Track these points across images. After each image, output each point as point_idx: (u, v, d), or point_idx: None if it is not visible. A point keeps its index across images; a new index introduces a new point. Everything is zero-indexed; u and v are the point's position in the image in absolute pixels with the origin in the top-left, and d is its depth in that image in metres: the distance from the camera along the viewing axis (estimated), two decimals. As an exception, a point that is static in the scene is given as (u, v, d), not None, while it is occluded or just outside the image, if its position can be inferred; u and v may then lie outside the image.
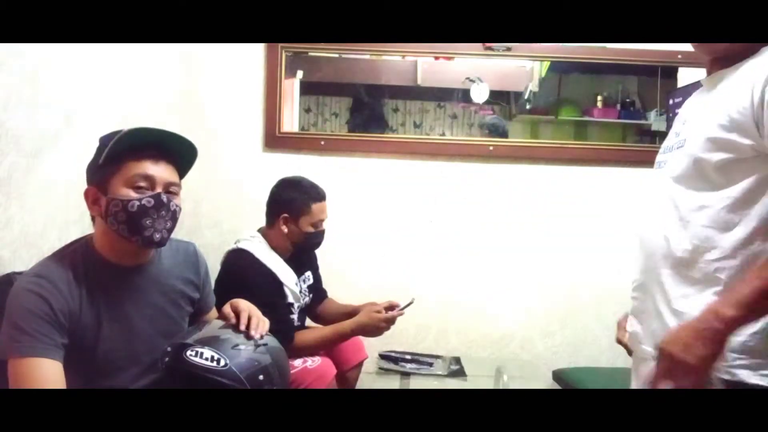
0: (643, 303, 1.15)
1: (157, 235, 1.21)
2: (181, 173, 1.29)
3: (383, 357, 2.23)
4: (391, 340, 2.24)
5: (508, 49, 2.45)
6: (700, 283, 1.03)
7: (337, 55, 2.71)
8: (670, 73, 2.54)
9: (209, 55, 2.42)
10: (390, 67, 2.80)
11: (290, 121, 2.54)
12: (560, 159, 2.49)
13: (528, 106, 2.89)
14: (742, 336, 0.96)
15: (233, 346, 1.23)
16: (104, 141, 1.20)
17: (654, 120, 2.76)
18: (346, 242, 2.44)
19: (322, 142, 2.50)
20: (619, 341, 1.29)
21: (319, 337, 1.94)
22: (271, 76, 2.43)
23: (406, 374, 2.16)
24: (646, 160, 1.26)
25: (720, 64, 1.08)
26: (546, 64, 2.72)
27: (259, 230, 1.99)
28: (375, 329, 1.92)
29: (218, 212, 2.48)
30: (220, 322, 1.32)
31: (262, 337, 1.28)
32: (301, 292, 2.00)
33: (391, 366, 2.19)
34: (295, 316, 1.97)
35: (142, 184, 1.19)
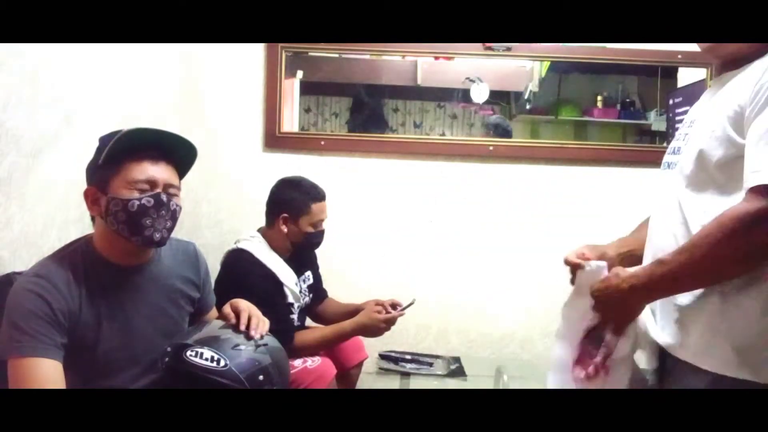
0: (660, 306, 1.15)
1: (157, 235, 1.21)
2: (181, 173, 1.29)
3: (383, 357, 2.23)
4: (391, 340, 2.24)
5: (508, 49, 2.45)
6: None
7: (337, 55, 2.71)
8: (670, 73, 2.54)
9: (209, 55, 2.42)
10: (390, 67, 2.80)
11: (290, 121, 2.54)
12: (560, 159, 2.49)
13: (528, 106, 2.89)
14: None
15: (233, 346, 1.23)
16: (104, 141, 1.21)
17: (654, 120, 2.76)
18: (347, 242, 2.44)
19: (322, 142, 2.50)
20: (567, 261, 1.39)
21: (319, 337, 1.94)
22: (271, 76, 2.43)
23: (406, 374, 2.16)
24: (646, 160, 1.26)
25: (728, 67, 1.09)
26: (546, 64, 2.72)
27: (259, 230, 1.99)
28: (375, 330, 1.92)
29: (218, 212, 2.48)
30: (220, 322, 1.32)
31: (262, 337, 1.28)
32: (301, 292, 2.00)
33: (391, 366, 2.19)
34: (295, 316, 1.97)
35: (142, 184, 1.19)
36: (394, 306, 1.95)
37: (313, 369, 1.84)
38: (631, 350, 1.12)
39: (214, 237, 2.43)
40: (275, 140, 2.45)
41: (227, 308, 1.35)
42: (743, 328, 0.97)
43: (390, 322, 1.92)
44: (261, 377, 1.22)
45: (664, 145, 2.36)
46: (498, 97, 2.85)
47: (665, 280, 1.01)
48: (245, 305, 1.35)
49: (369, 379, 2.13)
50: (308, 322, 2.14)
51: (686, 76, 2.47)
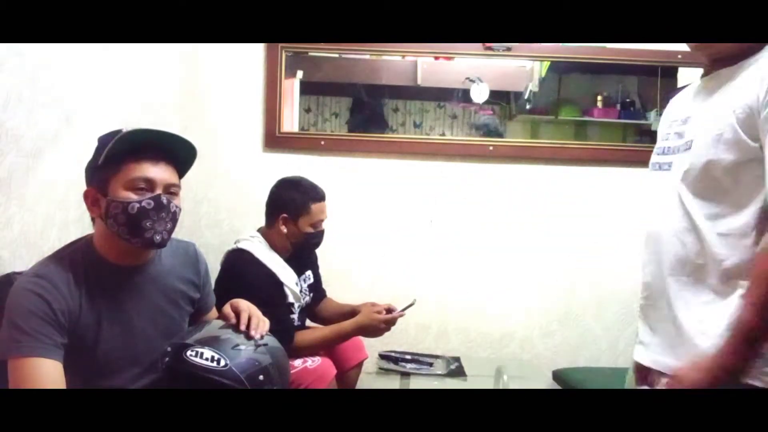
0: (657, 310, 1.12)
1: (158, 237, 1.21)
2: (181, 173, 1.29)
3: (383, 357, 2.23)
4: (391, 340, 2.24)
5: (508, 49, 2.45)
6: (720, 290, 1.01)
7: (337, 55, 2.71)
8: (670, 73, 2.54)
9: (209, 55, 2.42)
10: (390, 67, 2.80)
11: (290, 121, 2.54)
12: (560, 159, 2.49)
13: (528, 106, 2.89)
14: None
15: (233, 346, 1.23)
16: (103, 141, 1.20)
17: (654, 120, 2.75)
18: (347, 242, 2.44)
19: (322, 142, 2.50)
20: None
21: (319, 338, 1.94)
22: (271, 76, 2.43)
23: (406, 374, 2.16)
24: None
25: (720, 64, 1.07)
26: (546, 64, 2.72)
27: (259, 230, 1.99)
28: (375, 330, 1.92)
29: (218, 212, 2.48)
30: (220, 322, 1.32)
31: (262, 337, 1.28)
32: (301, 291, 2.00)
33: (391, 366, 2.19)
34: (295, 316, 1.97)
35: (142, 185, 1.19)
36: (389, 310, 1.96)
37: (313, 369, 1.84)
38: None
39: (214, 237, 2.43)
40: (275, 140, 2.45)
41: (227, 308, 1.35)
42: None
43: (390, 323, 1.92)
44: (261, 377, 1.22)
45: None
46: (498, 97, 2.85)
47: (755, 331, 0.93)
48: (245, 305, 1.35)
49: (369, 379, 2.13)
50: (308, 322, 2.14)
51: (686, 76, 2.47)
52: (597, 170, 2.48)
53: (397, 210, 2.48)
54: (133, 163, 1.19)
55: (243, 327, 1.28)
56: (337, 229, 2.24)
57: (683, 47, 2.40)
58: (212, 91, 2.44)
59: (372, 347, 2.16)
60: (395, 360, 2.22)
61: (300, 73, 2.61)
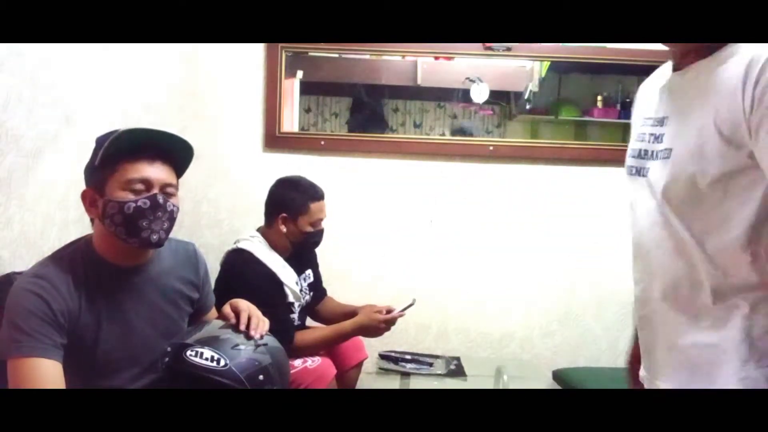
0: (653, 333, 1.04)
1: (155, 237, 1.21)
2: (179, 173, 1.28)
3: (383, 357, 2.23)
4: (391, 340, 2.24)
5: (508, 49, 2.45)
6: (720, 315, 0.93)
7: (337, 55, 2.71)
8: (670, 73, 2.54)
9: (209, 55, 2.42)
10: (390, 67, 2.80)
11: (290, 121, 2.54)
12: (560, 159, 2.49)
13: (528, 106, 2.89)
14: None
15: (233, 346, 1.23)
16: (100, 142, 1.20)
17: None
18: (347, 242, 2.44)
19: (322, 142, 2.50)
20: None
21: (319, 337, 1.94)
22: (271, 76, 2.43)
23: (406, 374, 2.16)
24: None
25: (692, 56, 0.96)
26: (546, 64, 2.72)
27: (259, 230, 1.99)
28: (375, 330, 1.93)
29: (218, 212, 2.48)
30: (220, 322, 1.32)
31: (262, 337, 1.28)
32: (301, 290, 2.00)
33: (391, 366, 2.19)
34: (295, 316, 1.97)
35: (139, 185, 1.18)
36: (389, 311, 1.96)
37: (313, 369, 1.84)
38: None
39: (214, 237, 2.44)
40: (275, 140, 2.45)
41: (227, 308, 1.35)
42: None
43: (390, 323, 1.92)
44: (261, 377, 1.22)
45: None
46: (498, 97, 2.85)
47: None
48: (245, 305, 1.35)
49: (369, 379, 2.13)
50: (309, 321, 2.14)
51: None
52: (597, 170, 2.48)
53: (397, 210, 2.48)
54: (129, 163, 1.19)
55: (243, 327, 1.28)
56: (337, 229, 2.24)
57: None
58: (212, 91, 2.44)
59: (372, 347, 2.16)
60: (395, 360, 2.22)
61: (300, 73, 2.61)
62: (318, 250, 2.11)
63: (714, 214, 0.91)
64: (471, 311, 2.50)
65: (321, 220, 1.96)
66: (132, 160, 1.19)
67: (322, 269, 2.18)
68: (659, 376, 1.04)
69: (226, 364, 1.19)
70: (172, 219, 1.24)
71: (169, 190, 1.24)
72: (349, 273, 2.45)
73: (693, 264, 0.94)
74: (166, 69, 2.27)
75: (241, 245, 1.91)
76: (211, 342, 1.23)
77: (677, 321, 0.98)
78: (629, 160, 1.08)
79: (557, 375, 2.31)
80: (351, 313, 2.01)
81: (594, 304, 2.49)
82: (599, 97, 2.89)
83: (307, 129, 2.95)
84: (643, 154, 1.03)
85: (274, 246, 1.94)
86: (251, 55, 2.43)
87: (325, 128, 3.08)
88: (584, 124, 2.93)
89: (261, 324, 1.31)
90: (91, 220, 1.26)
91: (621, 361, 2.41)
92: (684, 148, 0.93)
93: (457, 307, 2.50)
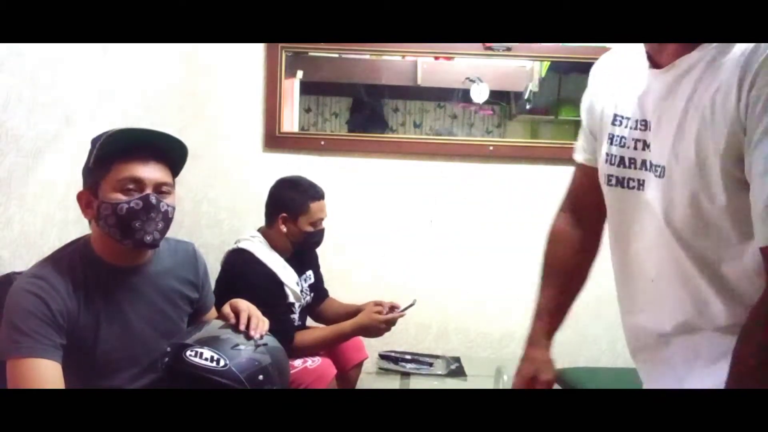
0: (657, 367, 0.96)
1: (148, 237, 1.20)
2: (174, 172, 1.27)
3: (383, 357, 2.23)
4: (391, 340, 2.24)
5: (508, 49, 2.44)
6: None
7: (337, 55, 2.71)
8: (670, 73, 2.54)
9: (209, 55, 2.42)
10: (390, 67, 2.80)
11: (290, 121, 2.54)
12: (560, 159, 2.48)
13: (528, 106, 2.89)
14: None
15: (233, 346, 1.23)
16: (93, 143, 1.20)
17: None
18: (347, 242, 2.44)
19: (322, 142, 2.50)
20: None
21: (319, 337, 1.94)
22: (271, 76, 2.43)
23: (406, 374, 2.16)
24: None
25: (675, 52, 0.85)
26: (546, 64, 2.72)
27: (259, 230, 1.99)
28: (375, 330, 1.92)
29: (218, 212, 2.48)
30: (220, 322, 1.32)
31: (261, 337, 1.28)
32: (302, 291, 2.00)
33: (391, 366, 2.19)
34: (295, 316, 1.97)
35: (131, 185, 1.18)
36: (392, 308, 1.96)
37: (313, 369, 1.84)
38: None
39: (214, 237, 2.43)
40: (275, 140, 2.45)
41: (227, 308, 1.35)
42: None
43: (390, 323, 1.92)
44: (261, 377, 1.22)
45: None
46: (498, 97, 2.85)
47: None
48: (245, 305, 1.35)
49: (369, 379, 2.13)
50: (309, 321, 2.14)
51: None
52: (597, 170, 2.47)
53: (397, 210, 2.48)
54: (121, 163, 1.18)
55: (243, 327, 1.28)
56: (337, 229, 2.24)
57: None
58: (212, 91, 2.44)
59: (372, 347, 2.16)
60: (395, 360, 2.22)
61: (300, 73, 2.61)
62: (318, 251, 2.11)
63: (726, 237, 0.81)
64: (471, 311, 2.50)
65: (321, 219, 1.96)
66: (124, 160, 1.18)
67: (322, 269, 2.18)
68: None
69: (225, 365, 1.19)
70: (166, 219, 1.23)
71: (164, 189, 1.22)
72: (349, 273, 2.45)
73: (706, 297, 0.85)
74: (166, 69, 2.27)
75: (241, 245, 1.91)
76: (211, 342, 1.23)
77: (685, 357, 0.90)
78: (606, 168, 0.96)
79: (557, 375, 2.30)
80: (354, 312, 2.01)
81: (594, 304, 2.49)
82: (599, 97, 2.89)
83: (307, 129, 2.95)
84: (628, 163, 0.92)
85: (275, 246, 1.94)
86: (251, 55, 2.43)
87: (325, 128, 3.08)
88: (584, 124, 2.93)
89: (261, 324, 1.31)
90: (89, 220, 1.26)
91: (621, 361, 2.42)
92: (681, 166, 0.82)
93: (457, 307, 2.50)
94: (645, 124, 0.89)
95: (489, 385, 2.03)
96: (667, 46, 0.86)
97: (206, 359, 1.19)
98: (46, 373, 1.10)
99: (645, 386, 1.02)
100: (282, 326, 1.71)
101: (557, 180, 2.47)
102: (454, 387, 2.09)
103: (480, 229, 2.48)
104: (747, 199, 0.76)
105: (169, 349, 1.23)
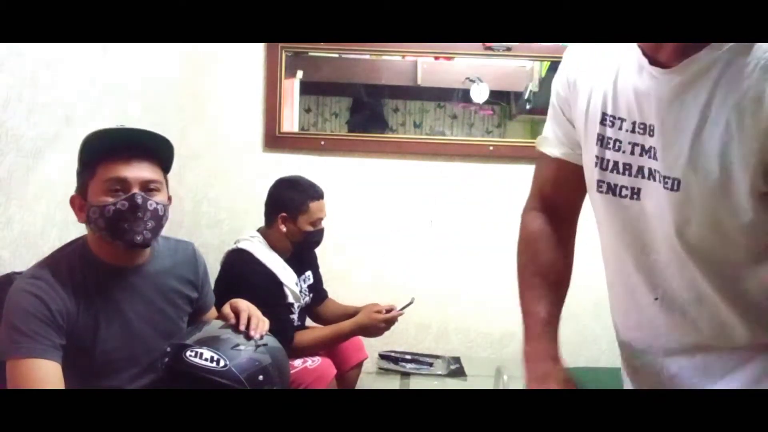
0: (655, 381, 0.91)
1: (138, 237, 1.19)
2: (164, 168, 1.27)
3: (383, 357, 2.23)
4: (391, 340, 2.24)
5: (508, 49, 2.44)
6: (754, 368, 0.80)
7: (337, 55, 2.71)
8: (670, 73, 2.54)
9: (209, 55, 2.42)
10: (390, 67, 2.80)
11: (290, 121, 2.54)
12: (560, 159, 2.49)
13: (528, 106, 2.88)
14: None
15: (233, 346, 1.23)
16: (81, 146, 1.21)
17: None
18: (347, 242, 2.44)
19: (322, 142, 2.50)
20: None
21: (319, 338, 1.94)
22: (271, 76, 2.43)
23: (406, 374, 2.16)
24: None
25: (683, 52, 0.75)
26: (546, 64, 2.72)
27: (259, 230, 1.99)
28: (374, 330, 1.93)
29: (218, 212, 2.48)
30: (220, 323, 1.32)
31: (261, 337, 1.28)
32: (301, 291, 2.00)
33: (391, 366, 2.19)
34: (295, 316, 1.97)
35: (116, 186, 1.18)
36: (389, 310, 1.96)
37: (313, 369, 1.84)
38: None
39: (214, 237, 2.43)
40: (275, 140, 2.45)
41: (227, 308, 1.35)
42: None
43: (389, 323, 1.92)
44: (261, 377, 1.22)
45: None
46: (498, 97, 2.85)
47: None
48: (245, 305, 1.35)
49: (369, 379, 2.13)
50: (308, 322, 2.14)
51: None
52: (597, 170, 2.47)
53: (397, 210, 2.48)
54: (106, 164, 1.18)
55: (243, 327, 1.28)
56: (337, 229, 2.24)
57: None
58: (212, 91, 2.44)
59: (372, 347, 2.16)
60: (395, 360, 2.22)
61: (300, 73, 2.61)
62: (318, 250, 2.11)
63: (745, 253, 0.75)
64: (471, 311, 2.50)
65: (321, 219, 1.96)
66: (108, 161, 1.18)
67: (322, 269, 2.18)
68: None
69: (225, 365, 1.19)
70: (156, 217, 1.22)
71: (152, 186, 1.21)
72: (349, 273, 2.45)
73: (720, 313, 0.79)
74: (166, 69, 2.27)
75: (241, 245, 1.91)
76: (211, 342, 1.23)
77: (691, 375, 0.84)
78: (595, 172, 0.86)
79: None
80: (353, 313, 2.01)
81: (593, 304, 2.49)
82: (599, 97, 2.89)
83: (307, 129, 2.95)
84: (622, 169, 0.83)
85: (275, 246, 1.94)
86: (251, 55, 2.43)
87: (325, 128, 3.08)
88: (584, 124, 2.93)
89: (261, 324, 1.31)
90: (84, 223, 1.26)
91: (620, 361, 2.41)
92: (701, 180, 0.73)
93: (457, 307, 2.50)
94: (645, 128, 0.79)
95: (489, 385, 2.03)
96: (667, 44, 0.78)
97: (206, 359, 1.19)
98: (46, 374, 1.10)
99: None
100: (282, 326, 1.71)
101: (557, 180, 2.48)
102: (454, 387, 2.09)
103: (480, 229, 2.48)
104: (758, 221, 0.70)
105: (168, 349, 1.23)
